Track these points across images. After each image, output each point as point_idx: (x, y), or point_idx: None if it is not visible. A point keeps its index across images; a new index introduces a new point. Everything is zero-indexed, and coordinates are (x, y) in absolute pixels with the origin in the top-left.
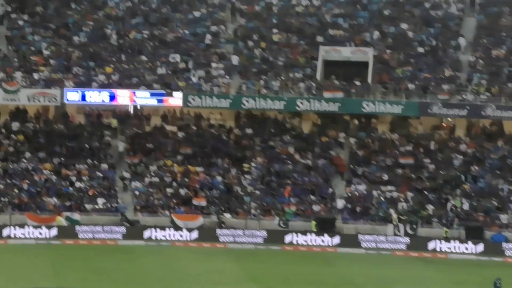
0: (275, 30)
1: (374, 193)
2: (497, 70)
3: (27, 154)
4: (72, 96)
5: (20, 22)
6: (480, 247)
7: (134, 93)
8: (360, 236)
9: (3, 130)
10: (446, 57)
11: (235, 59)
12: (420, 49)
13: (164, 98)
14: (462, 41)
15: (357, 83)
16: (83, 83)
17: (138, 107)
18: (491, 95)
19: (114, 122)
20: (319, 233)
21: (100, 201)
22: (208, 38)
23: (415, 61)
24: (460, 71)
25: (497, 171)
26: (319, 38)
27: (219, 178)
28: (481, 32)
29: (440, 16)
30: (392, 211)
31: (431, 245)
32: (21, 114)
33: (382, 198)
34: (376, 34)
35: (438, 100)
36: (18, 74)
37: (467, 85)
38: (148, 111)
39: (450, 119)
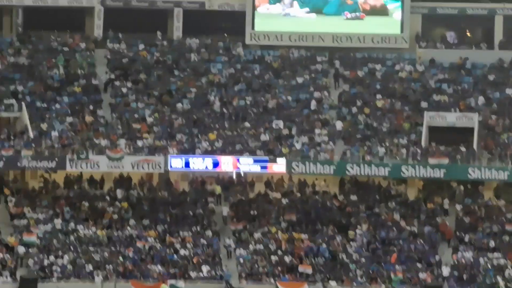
0: (378, 96)
1: (481, 260)
2: None
3: (131, 222)
4: (176, 163)
5: (124, 90)
6: None
7: (238, 159)
8: None
9: (108, 198)
10: None
11: (338, 125)
12: None
13: (267, 164)
14: None
15: (463, 149)
16: (187, 150)
17: (242, 173)
18: None
19: (218, 189)
20: None
21: (205, 268)
22: (312, 104)
23: None
24: None
25: None
26: (424, 104)
27: (324, 245)
28: None
29: None
30: (499, 278)
31: None
32: (125, 181)
33: (489, 266)
34: (481, 99)
35: None
36: (122, 141)
37: None
38: (252, 178)
39: None
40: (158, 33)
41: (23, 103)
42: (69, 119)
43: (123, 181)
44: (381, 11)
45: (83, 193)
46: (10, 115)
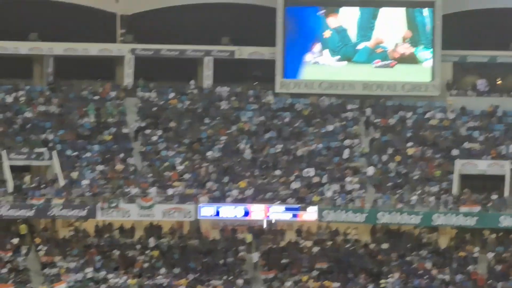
0: (409, 144)
1: None
2: None
3: (162, 270)
4: (207, 211)
5: (154, 138)
6: None
7: (269, 208)
8: None
9: (138, 246)
10: None
11: (370, 171)
12: None
13: (298, 212)
14: None
15: (494, 196)
16: (217, 198)
17: (273, 221)
18: None
19: (248, 237)
20: None
21: None
22: (343, 152)
23: None
24: None
25: None
26: (455, 152)
27: None
28: None
29: None
30: None
31: None
32: (156, 229)
33: None
34: None
35: None
36: (153, 190)
37: None
38: (283, 226)
39: None
40: (192, 82)
41: (54, 152)
42: (100, 167)
43: (153, 229)
44: (411, 59)
45: (114, 241)
46: (41, 164)
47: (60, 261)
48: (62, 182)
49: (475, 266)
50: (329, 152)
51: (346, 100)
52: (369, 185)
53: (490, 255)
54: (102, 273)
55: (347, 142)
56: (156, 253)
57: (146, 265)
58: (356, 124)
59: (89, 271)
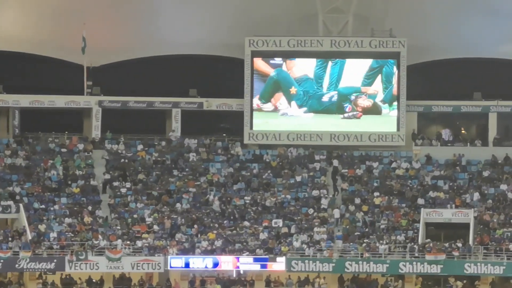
0: (376, 193)
1: None
2: None
3: None
4: (176, 263)
5: (123, 190)
6: None
7: (238, 259)
8: None
9: None
10: None
11: (336, 215)
12: None
13: (267, 263)
14: None
15: (459, 244)
16: (187, 250)
17: (242, 272)
18: None
19: None
20: None
21: None
22: (310, 203)
23: None
24: None
25: None
26: (420, 201)
27: None
28: None
29: None
30: None
31: None
32: (125, 281)
33: None
34: (476, 195)
35: None
36: (121, 242)
37: None
38: (252, 276)
39: None
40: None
41: (20, 205)
42: (68, 220)
43: (123, 281)
44: (375, 110)
45: None
46: (7, 217)
47: None
48: (29, 235)
49: None
50: (297, 202)
51: (313, 151)
52: (336, 235)
53: None
54: None
55: (315, 192)
56: None
57: None
58: (324, 174)
59: None
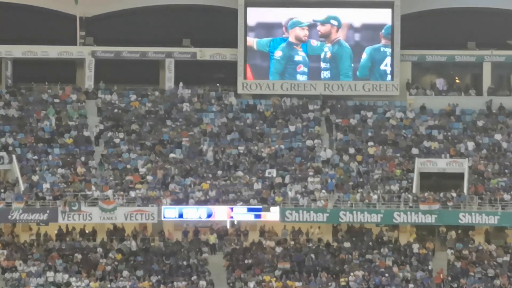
0: (370, 143)
1: None
2: None
3: (125, 273)
4: (170, 213)
5: (116, 140)
6: None
7: (232, 209)
8: None
9: (100, 249)
10: None
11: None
12: None
13: (261, 213)
14: None
15: (453, 194)
16: (180, 200)
17: (236, 222)
18: None
19: (212, 238)
20: None
21: None
22: (304, 152)
23: (510, 171)
24: None
25: None
26: (414, 150)
27: None
28: None
29: None
30: None
31: None
32: (118, 232)
33: None
34: (471, 145)
35: None
36: (115, 193)
37: None
38: (246, 227)
39: None
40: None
41: (13, 156)
42: (61, 171)
43: (116, 232)
44: None
45: (76, 245)
46: (0, 168)
47: (21, 266)
48: (22, 186)
49: (435, 263)
50: (291, 152)
51: (307, 101)
52: (331, 185)
53: (449, 252)
54: (64, 277)
55: (309, 142)
56: (118, 256)
57: (108, 268)
58: (318, 124)
59: (51, 275)
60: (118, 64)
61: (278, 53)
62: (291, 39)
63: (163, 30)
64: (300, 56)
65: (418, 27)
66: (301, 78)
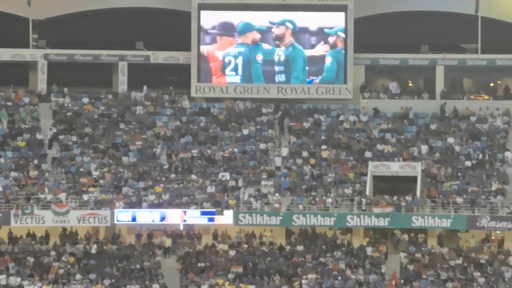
0: (324, 147)
1: None
2: None
3: (78, 276)
4: (123, 216)
5: (69, 143)
6: None
7: (185, 212)
8: None
9: (53, 253)
10: (493, 170)
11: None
12: (467, 163)
13: (214, 216)
14: (508, 154)
15: (406, 197)
16: (133, 203)
17: (189, 225)
18: None
19: (167, 241)
20: None
21: None
22: (258, 156)
23: (463, 174)
24: (508, 184)
25: None
26: (368, 154)
27: None
28: None
29: (486, 129)
30: None
31: None
32: (71, 235)
33: None
34: (424, 148)
35: (487, 213)
36: (68, 196)
37: None
38: (199, 230)
39: (498, 232)
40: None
41: None
42: (13, 174)
43: (69, 235)
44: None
45: (28, 248)
46: None
47: None
48: None
49: (388, 266)
50: (244, 156)
51: (261, 104)
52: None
53: (402, 255)
54: (17, 280)
55: (262, 146)
56: (71, 259)
57: (61, 271)
58: (271, 127)
59: (2, 278)
60: (71, 67)
61: (239, 59)
62: (247, 41)
63: (116, 33)
64: (258, 59)
65: (372, 31)
66: (257, 80)
